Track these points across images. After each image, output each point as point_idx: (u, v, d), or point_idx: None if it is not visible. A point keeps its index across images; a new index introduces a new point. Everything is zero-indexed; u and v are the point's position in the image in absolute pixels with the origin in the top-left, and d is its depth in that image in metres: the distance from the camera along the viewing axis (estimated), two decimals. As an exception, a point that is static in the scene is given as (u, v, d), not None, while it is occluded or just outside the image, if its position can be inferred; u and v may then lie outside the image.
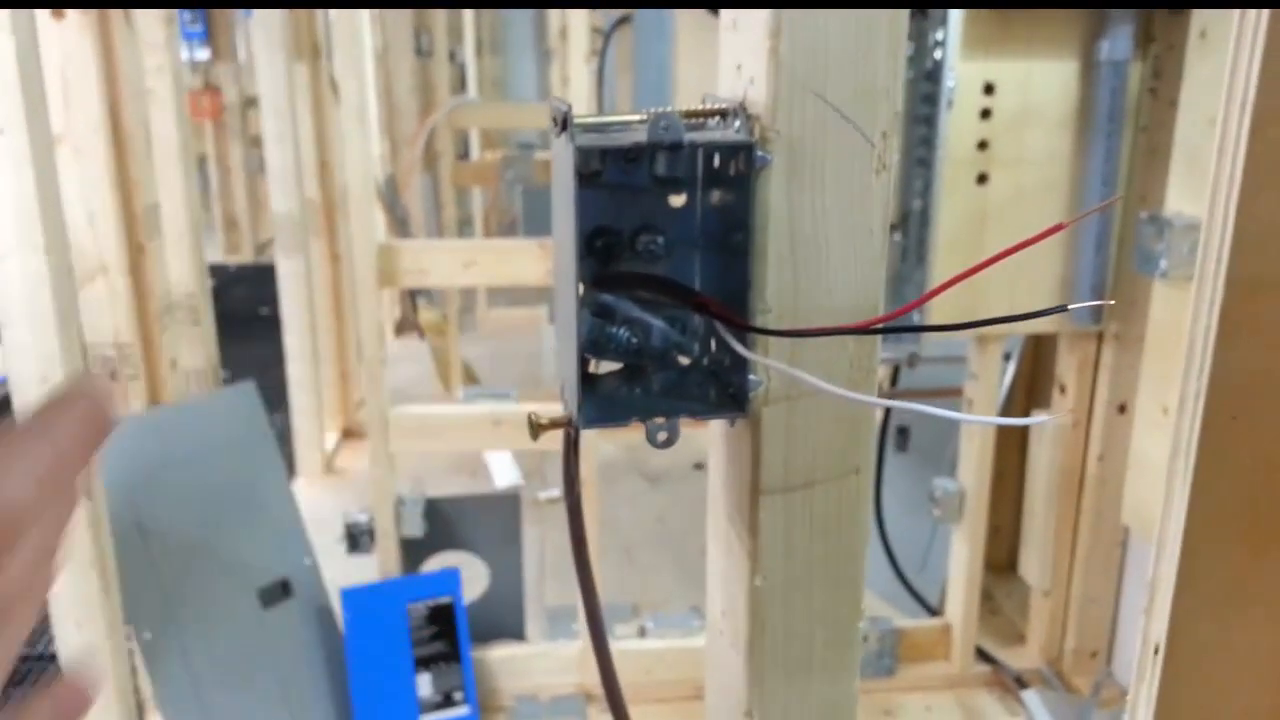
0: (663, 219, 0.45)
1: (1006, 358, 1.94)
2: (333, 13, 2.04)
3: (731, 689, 0.50)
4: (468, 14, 4.33)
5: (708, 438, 0.51)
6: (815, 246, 0.41)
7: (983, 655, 1.90)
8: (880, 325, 0.39)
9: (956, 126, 1.54)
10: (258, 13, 2.46)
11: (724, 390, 0.45)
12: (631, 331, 0.44)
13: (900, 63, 0.39)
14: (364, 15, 1.69)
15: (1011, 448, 1.94)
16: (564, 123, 0.40)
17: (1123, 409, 1.71)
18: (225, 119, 5.08)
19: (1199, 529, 0.52)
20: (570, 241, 0.41)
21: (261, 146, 2.69)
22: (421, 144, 3.11)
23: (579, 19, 1.73)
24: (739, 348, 0.40)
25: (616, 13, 3.20)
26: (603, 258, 0.45)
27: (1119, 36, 1.54)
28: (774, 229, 0.41)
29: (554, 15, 2.71)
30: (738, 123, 0.41)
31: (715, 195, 0.44)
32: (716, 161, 0.43)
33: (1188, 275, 1.38)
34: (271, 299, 2.71)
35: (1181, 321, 1.39)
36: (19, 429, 0.31)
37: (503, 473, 2.77)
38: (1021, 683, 1.83)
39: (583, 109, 1.81)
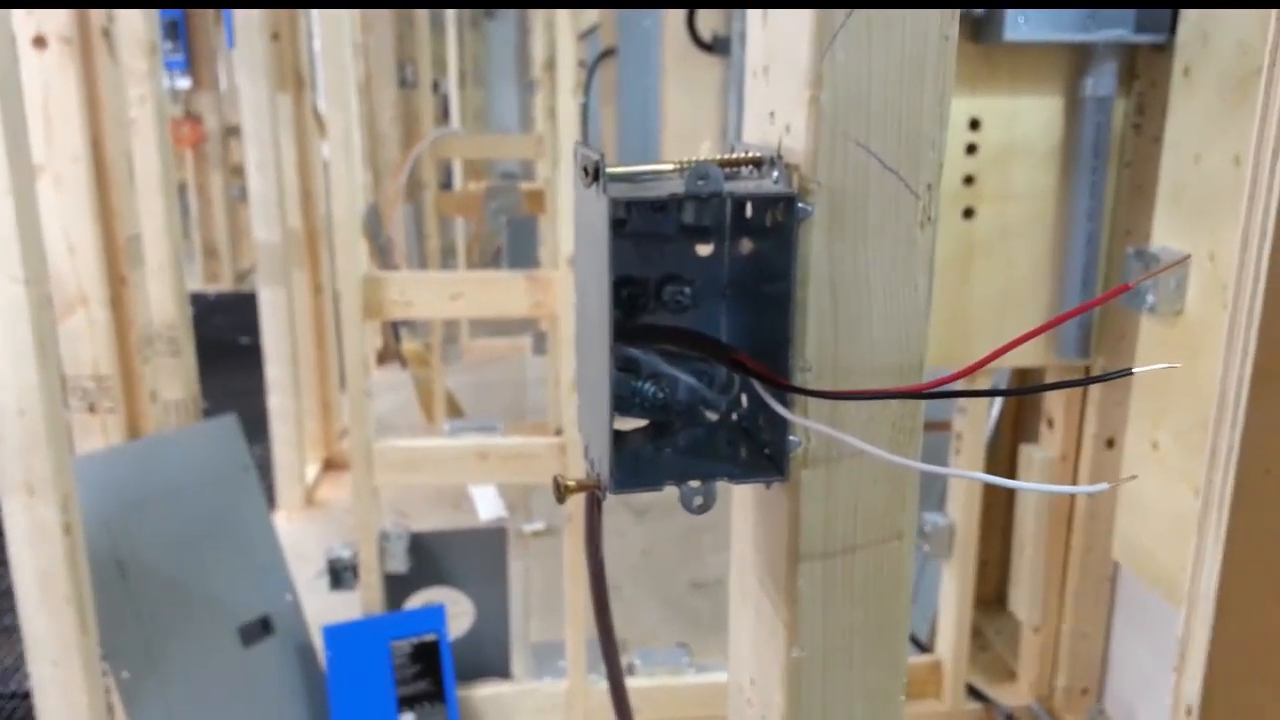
0: (689, 268, 0.43)
1: (994, 391, 1.93)
2: (318, 45, 2.03)
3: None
4: (451, 45, 4.34)
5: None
6: (857, 301, 0.39)
7: (974, 693, 1.88)
8: (931, 390, 0.37)
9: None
10: (240, 43, 2.45)
11: (756, 449, 0.43)
12: (658, 386, 0.42)
13: (946, 112, 0.38)
14: (348, 47, 1.67)
15: (1000, 482, 1.93)
16: (595, 173, 0.39)
17: (1111, 443, 1.71)
18: (205, 147, 5.05)
19: (1233, 586, 0.51)
20: (600, 296, 0.39)
21: (242, 175, 2.67)
22: (405, 174, 3.09)
23: (566, 51, 1.72)
24: (779, 408, 0.39)
25: (600, 45, 3.20)
26: (628, 309, 0.43)
27: (1103, 73, 1.55)
28: (814, 283, 0.39)
29: (538, 47, 2.71)
30: (775, 173, 0.40)
31: (746, 244, 0.42)
32: (749, 211, 0.42)
33: (1175, 310, 1.38)
34: (251, 328, 2.68)
35: (1169, 356, 1.39)
36: None
37: (487, 505, 2.73)
38: (1013, 720, 1.81)
39: (571, 141, 1.80)
